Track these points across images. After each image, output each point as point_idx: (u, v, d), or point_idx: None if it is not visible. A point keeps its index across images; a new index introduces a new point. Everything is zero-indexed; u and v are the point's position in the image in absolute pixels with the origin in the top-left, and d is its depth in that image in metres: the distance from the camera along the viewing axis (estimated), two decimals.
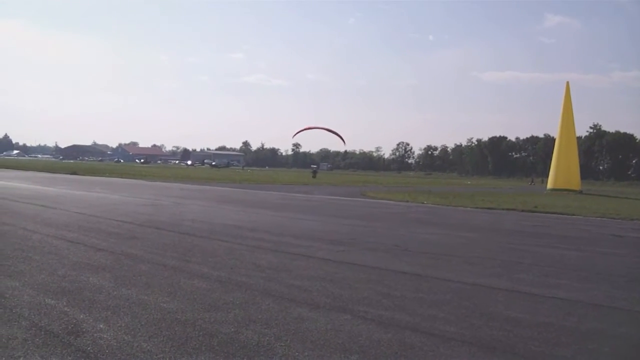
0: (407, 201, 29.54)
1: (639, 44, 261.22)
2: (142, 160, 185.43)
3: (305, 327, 5.62)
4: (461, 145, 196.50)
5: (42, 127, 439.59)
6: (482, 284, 8.16)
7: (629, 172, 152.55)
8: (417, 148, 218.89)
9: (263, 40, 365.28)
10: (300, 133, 71.36)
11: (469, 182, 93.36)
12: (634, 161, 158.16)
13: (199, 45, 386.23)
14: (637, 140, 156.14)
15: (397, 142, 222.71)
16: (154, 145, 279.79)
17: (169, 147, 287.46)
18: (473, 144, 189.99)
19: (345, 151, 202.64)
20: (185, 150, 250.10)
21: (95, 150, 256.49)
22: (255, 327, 5.54)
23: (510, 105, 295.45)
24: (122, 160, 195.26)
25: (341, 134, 70.16)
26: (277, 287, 7.33)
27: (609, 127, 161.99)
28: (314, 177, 70.99)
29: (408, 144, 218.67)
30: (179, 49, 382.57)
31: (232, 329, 5.44)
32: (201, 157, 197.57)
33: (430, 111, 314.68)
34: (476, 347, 5.24)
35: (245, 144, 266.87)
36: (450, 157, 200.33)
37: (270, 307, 6.30)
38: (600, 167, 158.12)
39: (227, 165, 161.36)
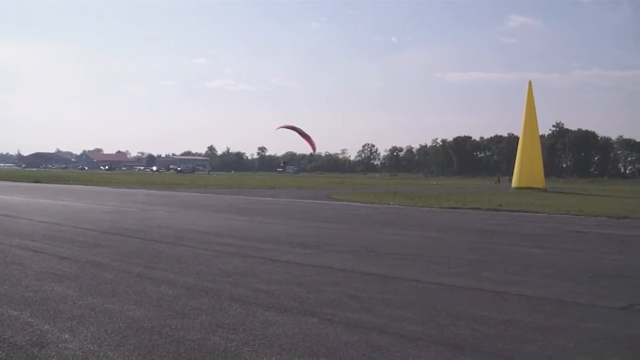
0: (373, 203, 29.70)
1: (599, 43, 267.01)
2: (106, 167, 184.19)
3: (273, 331, 5.60)
4: (426, 146, 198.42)
5: (3, 135, 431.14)
6: (449, 284, 8.23)
7: (592, 169, 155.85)
8: (383, 150, 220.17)
9: (228, 45, 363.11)
10: (282, 128, 71.61)
11: (434, 183, 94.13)
12: (596, 158, 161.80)
13: (162, 51, 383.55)
14: (599, 138, 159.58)
15: (363, 144, 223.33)
16: (119, 152, 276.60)
17: (133, 154, 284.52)
18: (438, 145, 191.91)
19: (311, 154, 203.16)
20: (150, 156, 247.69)
21: (59, 158, 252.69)
22: (222, 332, 5.51)
23: (474, 106, 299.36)
24: (86, 168, 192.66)
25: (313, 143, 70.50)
26: (244, 292, 7.29)
27: (571, 125, 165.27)
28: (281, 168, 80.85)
29: (374, 146, 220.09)
30: (143, 55, 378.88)
31: (199, 336, 5.40)
32: (166, 163, 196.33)
33: (396, 113, 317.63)
34: (443, 347, 5.27)
35: (211, 148, 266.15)
36: (416, 157, 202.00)
37: (237, 312, 6.27)
38: (564, 165, 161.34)
39: (193, 170, 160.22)
